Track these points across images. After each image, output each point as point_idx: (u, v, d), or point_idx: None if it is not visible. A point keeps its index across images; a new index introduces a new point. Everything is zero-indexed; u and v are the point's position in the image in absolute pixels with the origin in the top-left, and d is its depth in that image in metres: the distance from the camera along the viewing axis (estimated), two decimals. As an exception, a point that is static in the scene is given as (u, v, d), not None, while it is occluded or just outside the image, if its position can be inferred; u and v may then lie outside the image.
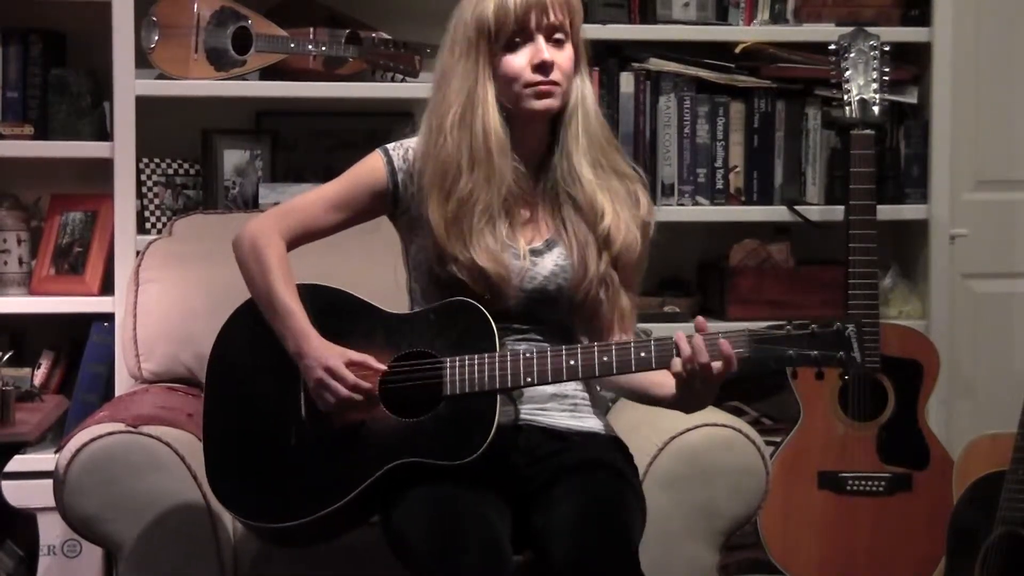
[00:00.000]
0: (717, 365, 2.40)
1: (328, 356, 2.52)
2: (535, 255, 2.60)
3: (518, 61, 2.54)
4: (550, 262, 2.60)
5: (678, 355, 2.41)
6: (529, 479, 2.56)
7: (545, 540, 2.46)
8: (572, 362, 2.47)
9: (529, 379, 2.48)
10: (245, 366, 2.67)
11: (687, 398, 2.49)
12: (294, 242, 2.65)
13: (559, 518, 2.46)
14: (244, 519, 2.64)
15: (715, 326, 3.81)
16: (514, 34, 2.54)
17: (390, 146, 2.66)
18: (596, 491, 2.51)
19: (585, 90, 2.62)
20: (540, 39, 2.54)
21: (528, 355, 2.48)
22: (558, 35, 2.56)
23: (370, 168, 2.65)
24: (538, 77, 2.54)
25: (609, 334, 2.65)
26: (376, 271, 2.78)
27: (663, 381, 2.53)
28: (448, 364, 2.49)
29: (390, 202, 2.64)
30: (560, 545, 2.42)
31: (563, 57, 2.56)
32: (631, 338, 2.66)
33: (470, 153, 2.54)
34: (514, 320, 2.58)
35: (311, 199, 2.67)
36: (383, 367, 2.53)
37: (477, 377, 2.48)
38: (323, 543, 2.70)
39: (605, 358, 2.46)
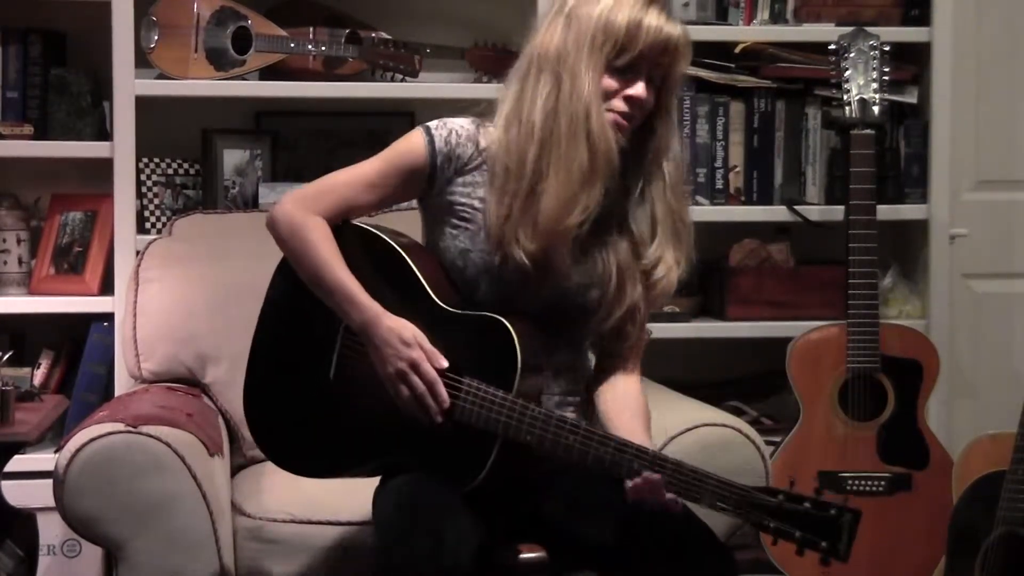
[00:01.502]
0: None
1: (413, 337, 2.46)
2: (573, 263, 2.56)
3: (614, 82, 2.49)
4: (581, 276, 2.57)
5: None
6: (532, 487, 2.56)
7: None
8: (571, 439, 2.42)
9: (528, 438, 2.44)
10: (292, 310, 2.66)
11: None
12: (331, 221, 2.58)
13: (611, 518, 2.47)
14: (265, 452, 2.71)
15: (715, 327, 3.88)
16: (632, 59, 2.48)
17: (432, 125, 2.59)
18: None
19: (670, 136, 2.56)
20: (643, 76, 2.49)
21: (535, 413, 2.43)
22: (658, 79, 2.51)
23: (410, 146, 2.58)
24: (624, 108, 2.49)
25: (622, 361, 2.64)
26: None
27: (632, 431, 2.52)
28: (464, 387, 2.46)
29: (425, 183, 2.59)
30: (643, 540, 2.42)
31: (649, 100, 2.51)
32: (638, 366, 2.66)
33: (590, 164, 2.47)
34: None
35: (348, 178, 2.60)
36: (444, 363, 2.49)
37: (484, 413, 2.44)
38: None
39: (602, 452, 2.41)
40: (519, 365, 2.45)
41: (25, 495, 3.29)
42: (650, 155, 2.54)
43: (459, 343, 2.50)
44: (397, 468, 2.53)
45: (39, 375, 3.62)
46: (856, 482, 3.61)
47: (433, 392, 2.46)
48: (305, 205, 2.58)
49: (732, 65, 3.89)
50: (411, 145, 2.58)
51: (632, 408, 2.60)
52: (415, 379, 2.46)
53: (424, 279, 2.55)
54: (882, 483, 3.63)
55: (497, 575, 2.56)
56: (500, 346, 2.46)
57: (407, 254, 2.58)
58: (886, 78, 3.68)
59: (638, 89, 2.48)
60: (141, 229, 3.64)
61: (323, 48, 3.61)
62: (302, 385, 2.63)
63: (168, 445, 2.76)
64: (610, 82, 2.49)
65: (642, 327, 2.63)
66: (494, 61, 3.82)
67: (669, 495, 2.35)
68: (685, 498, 2.37)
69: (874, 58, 3.67)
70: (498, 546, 2.57)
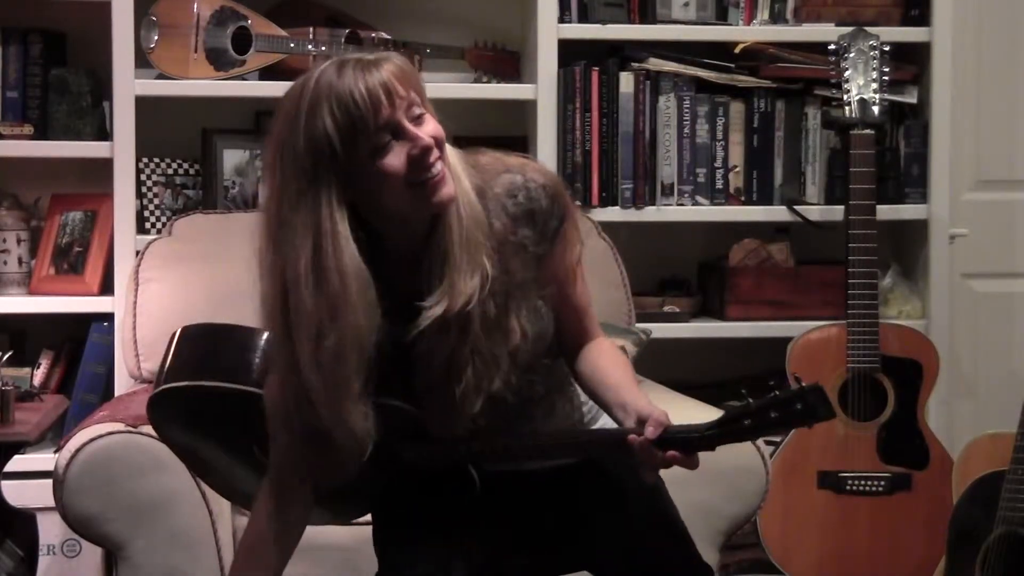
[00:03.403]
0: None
1: None
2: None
3: (394, 163, 2.14)
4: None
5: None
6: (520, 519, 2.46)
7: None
8: (521, 453, 2.31)
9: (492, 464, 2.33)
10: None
11: None
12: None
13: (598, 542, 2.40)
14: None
15: (715, 327, 3.88)
16: (377, 136, 2.13)
17: None
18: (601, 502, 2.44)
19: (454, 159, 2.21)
20: (404, 123, 2.14)
21: (472, 450, 2.29)
22: (416, 109, 2.16)
23: None
24: (421, 173, 2.14)
25: (583, 337, 2.41)
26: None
27: (625, 403, 2.25)
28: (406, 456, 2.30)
29: None
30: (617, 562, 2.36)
31: (433, 129, 2.17)
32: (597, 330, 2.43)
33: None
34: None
35: None
36: None
37: (440, 459, 2.32)
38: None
39: (549, 448, 2.31)
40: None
41: (25, 495, 3.29)
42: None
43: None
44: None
45: (39, 375, 3.62)
46: (856, 482, 3.62)
47: None
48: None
49: (732, 65, 3.89)
50: None
51: (608, 363, 2.35)
52: None
53: None
54: (882, 483, 3.63)
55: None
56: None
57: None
58: (886, 78, 3.68)
59: (416, 142, 2.15)
60: (141, 229, 3.64)
61: (323, 48, 3.61)
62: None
63: (168, 445, 2.76)
64: (390, 165, 2.15)
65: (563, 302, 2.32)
66: (494, 61, 3.82)
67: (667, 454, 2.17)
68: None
69: (874, 58, 3.67)
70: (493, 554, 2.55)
